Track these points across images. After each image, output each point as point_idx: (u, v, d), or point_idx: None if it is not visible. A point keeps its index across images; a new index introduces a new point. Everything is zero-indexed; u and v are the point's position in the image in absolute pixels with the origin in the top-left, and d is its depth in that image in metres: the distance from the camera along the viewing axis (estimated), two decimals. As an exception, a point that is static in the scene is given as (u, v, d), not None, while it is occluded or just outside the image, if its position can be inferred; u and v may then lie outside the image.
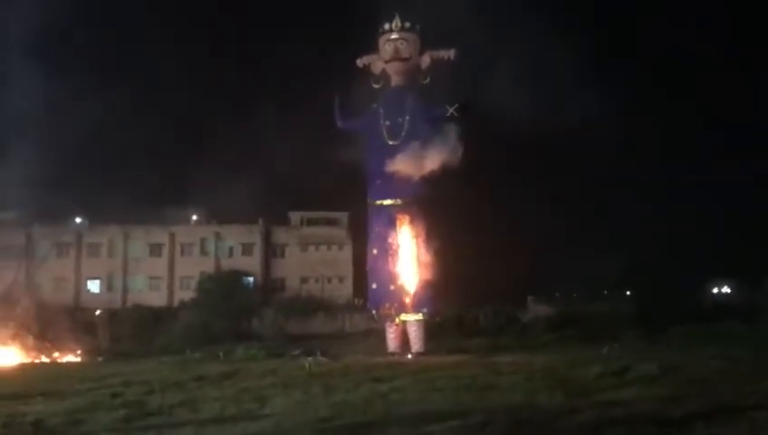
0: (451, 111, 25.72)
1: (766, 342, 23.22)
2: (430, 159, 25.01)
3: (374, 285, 26.64)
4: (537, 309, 46.62)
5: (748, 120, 66.63)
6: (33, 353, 28.16)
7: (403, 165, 25.49)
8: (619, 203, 52.71)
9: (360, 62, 27.34)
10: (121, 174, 55.04)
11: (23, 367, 24.21)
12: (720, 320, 30.92)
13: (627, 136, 56.54)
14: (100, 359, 27.62)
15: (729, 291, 56.03)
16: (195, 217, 61.93)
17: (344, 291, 58.85)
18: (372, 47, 27.20)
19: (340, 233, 61.13)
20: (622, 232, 47.76)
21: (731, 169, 56.28)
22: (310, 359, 21.51)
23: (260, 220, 60.73)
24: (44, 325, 30.05)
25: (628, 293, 46.04)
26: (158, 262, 59.25)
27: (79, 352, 29.27)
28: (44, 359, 28.10)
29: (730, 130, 68.84)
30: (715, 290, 55.22)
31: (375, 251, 26.57)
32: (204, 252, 60.06)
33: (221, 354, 26.26)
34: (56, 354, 28.80)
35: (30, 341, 28.63)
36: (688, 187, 56.28)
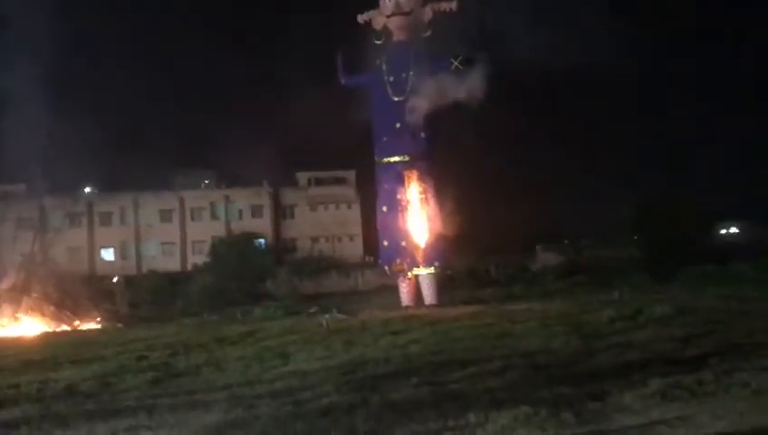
0: (455, 63, 25.58)
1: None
2: (453, 89, 24.84)
3: (385, 242, 26.88)
4: (546, 257, 46.94)
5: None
6: (55, 322, 28.67)
7: (425, 96, 25.40)
8: (625, 146, 52.49)
9: (361, 18, 27.16)
10: (130, 142, 55.09)
11: (46, 336, 24.70)
12: (729, 261, 31.14)
13: (641, 76, 55.97)
14: (120, 325, 28.12)
15: (737, 232, 56.14)
16: (206, 182, 62.24)
17: (355, 249, 59.31)
18: (373, 2, 27.00)
19: (349, 192, 61.37)
20: (629, 176, 47.68)
21: (744, 112, 55.89)
22: (327, 316, 21.89)
23: (264, 182, 60.89)
24: (63, 295, 30.50)
25: (636, 237, 46.22)
26: (169, 228, 59.75)
27: (99, 319, 29.79)
28: (65, 327, 28.64)
29: (753, 72, 68.07)
30: (724, 231, 55.31)
31: (384, 208, 26.75)
32: (214, 216, 60.50)
33: (239, 315, 26.74)
34: (77, 322, 29.31)
35: (50, 310, 29.12)
36: (698, 128, 55.96)
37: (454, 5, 26.06)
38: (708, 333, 13.45)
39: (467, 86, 24.59)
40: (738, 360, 10.52)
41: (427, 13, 26.45)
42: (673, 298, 19.87)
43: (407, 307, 25.49)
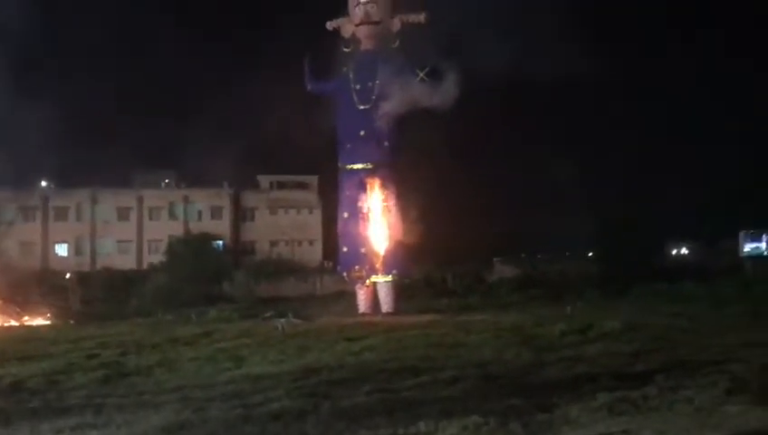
0: (422, 75, 25.81)
1: (721, 301, 24.07)
2: (419, 100, 25.06)
3: (345, 249, 26.95)
4: (503, 270, 47.39)
5: (723, 89, 67.34)
6: (2, 317, 28.05)
7: (390, 105, 25.56)
8: (584, 166, 53.40)
9: (330, 26, 27.24)
10: (90, 137, 54.24)
11: (-8, 331, 24.15)
12: (679, 280, 31.86)
13: (601, 95, 57.05)
14: (71, 322, 27.63)
15: (687, 252, 57.57)
16: (166, 181, 61.53)
17: (314, 254, 59.19)
18: (343, 10, 27.09)
19: (310, 196, 61.26)
20: (586, 194, 48.51)
21: (694, 137, 57.35)
22: (283, 320, 21.82)
23: (224, 184, 60.50)
24: (12, 289, 29.87)
25: (590, 254, 47.07)
26: (126, 225, 58.90)
27: (48, 315, 29.22)
28: (13, 323, 28.03)
29: (704, 96, 69.79)
30: (674, 251, 56.66)
31: (346, 215, 26.82)
32: (173, 216, 59.82)
33: (193, 316, 26.48)
34: (26, 318, 28.72)
35: (-2, 304, 28.51)
36: (654, 151, 57.21)
37: (423, 18, 26.29)
38: (656, 350, 13.77)
39: (433, 97, 24.84)
40: (683, 377, 10.78)
41: (396, 23, 26.64)
42: (624, 314, 20.25)
43: (363, 314, 25.55)
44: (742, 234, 22.45)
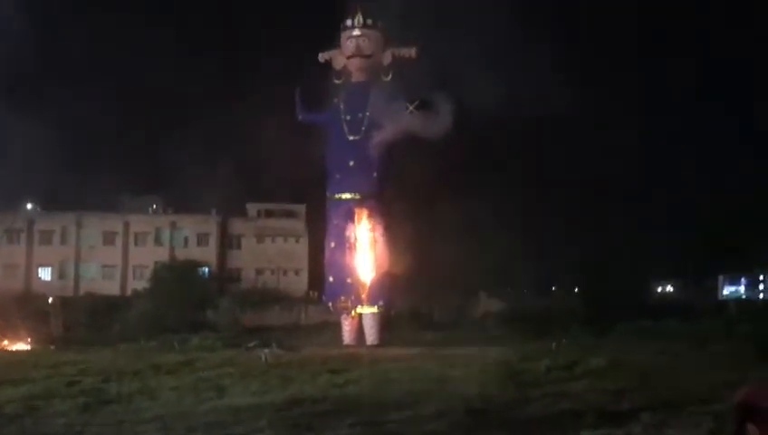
0: (411, 108, 26.05)
1: (705, 338, 24.15)
2: (415, 126, 25.24)
3: (331, 278, 26.90)
4: (489, 303, 47.33)
5: (701, 129, 68.25)
6: (-18, 341, 27.71)
7: (380, 137, 25.72)
8: (571, 202, 53.69)
9: (321, 57, 27.50)
10: (77, 160, 54.10)
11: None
12: (664, 317, 31.95)
13: (587, 131, 57.61)
14: (52, 347, 27.28)
15: (672, 290, 57.83)
16: (153, 206, 61.25)
17: (300, 283, 58.87)
18: (335, 42, 27.36)
19: (298, 225, 61.12)
20: (572, 231, 48.71)
21: (680, 175, 57.88)
22: (266, 350, 21.66)
23: (213, 211, 60.38)
24: (-7, 312, 29.54)
25: (576, 290, 47.13)
26: (111, 250, 58.43)
27: (29, 339, 28.85)
28: (-6, 346, 27.67)
29: (683, 138, 70.59)
30: (660, 289, 56.89)
31: (333, 244, 26.82)
32: (159, 241, 59.42)
33: (176, 344, 26.24)
34: (5, 342, 28.35)
35: (-22, 328, 28.15)
36: (638, 189, 57.63)
37: (414, 52, 26.60)
38: (641, 388, 13.77)
39: (425, 128, 25.04)
40: (668, 416, 10.79)
41: (388, 57, 26.93)
42: (609, 351, 20.26)
43: (348, 346, 25.41)
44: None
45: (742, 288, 25.93)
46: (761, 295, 24.88)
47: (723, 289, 26.01)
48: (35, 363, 19.07)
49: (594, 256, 39.90)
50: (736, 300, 25.28)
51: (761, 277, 25.09)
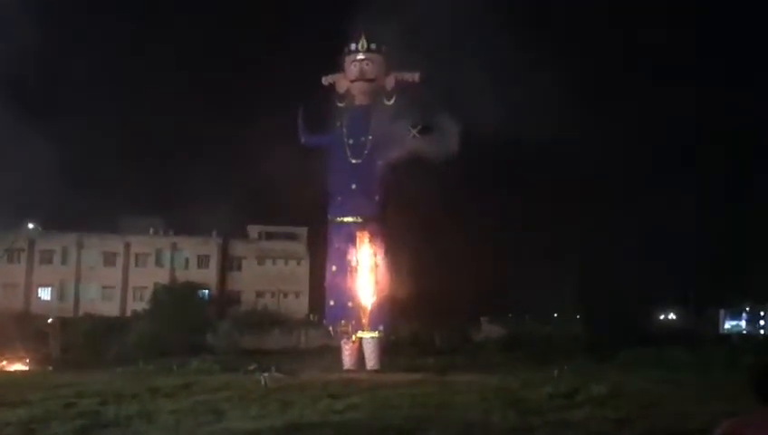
0: (414, 132, 26.11)
1: (708, 367, 23.98)
2: (424, 147, 25.31)
3: (331, 302, 26.78)
4: (490, 329, 47.23)
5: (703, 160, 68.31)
6: (-20, 361, 27.58)
7: (388, 155, 25.77)
8: (573, 228, 53.72)
9: (325, 81, 27.62)
10: (79, 181, 54.20)
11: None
12: (666, 345, 31.78)
13: (588, 160, 57.81)
14: (50, 368, 27.14)
15: (675, 318, 57.55)
16: (154, 228, 61.20)
17: (300, 306, 58.71)
18: (338, 66, 27.51)
19: (299, 248, 61.07)
20: (575, 257, 48.66)
21: (680, 206, 57.90)
22: (265, 374, 21.49)
23: (213, 232, 60.38)
24: (-8, 332, 29.43)
25: (578, 316, 46.95)
26: (111, 271, 58.35)
27: (27, 360, 28.72)
28: (-9, 367, 27.53)
29: (684, 167, 70.71)
30: (662, 317, 56.66)
31: (334, 268, 26.73)
32: (159, 263, 59.35)
33: (175, 367, 26.07)
34: (3, 362, 28.21)
35: (-24, 348, 28.04)
36: (642, 217, 57.60)
37: (417, 76, 26.72)
38: (642, 417, 13.62)
39: (431, 148, 25.11)
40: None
41: (391, 81, 27.06)
42: (610, 379, 20.09)
43: (348, 370, 25.23)
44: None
45: (743, 322, 25.55)
46: (761, 331, 24.62)
47: (724, 323, 25.65)
48: (33, 385, 18.93)
49: (597, 282, 39.79)
50: (737, 334, 24.98)
51: (761, 313, 24.86)
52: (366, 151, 26.60)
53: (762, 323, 24.65)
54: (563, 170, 59.82)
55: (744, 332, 25.10)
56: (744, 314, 25.95)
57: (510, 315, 52.74)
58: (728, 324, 25.88)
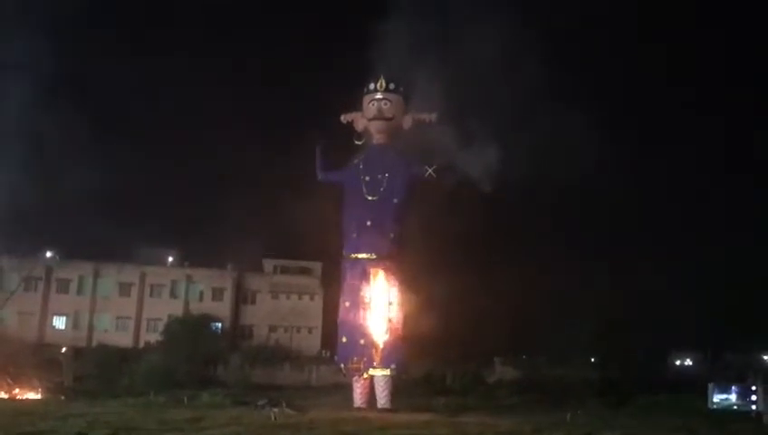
0: (430, 171, 26.32)
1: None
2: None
3: (344, 339, 26.67)
4: (503, 370, 46.78)
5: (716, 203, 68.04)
6: (-7, 389, 27.70)
7: (404, 193, 25.95)
8: (587, 271, 53.38)
9: (343, 119, 27.98)
10: (97, 210, 54.70)
11: (-19, 402, 23.78)
12: (681, 391, 31.33)
13: (603, 202, 57.71)
14: (62, 397, 27.21)
15: (690, 363, 56.74)
16: (170, 259, 61.58)
17: (313, 341, 58.58)
18: (357, 104, 27.89)
19: (313, 283, 61.12)
20: (590, 300, 48.30)
21: (697, 248, 57.54)
22: (276, 409, 21.44)
23: (228, 265, 60.65)
24: (6, 360, 29.58)
25: (593, 359, 46.46)
26: (126, 302, 58.60)
27: (40, 389, 28.81)
28: (3, 395, 27.62)
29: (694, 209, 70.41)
30: (678, 362, 55.94)
31: (347, 304, 26.71)
32: (174, 294, 59.57)
33: (185, 399, 26.06)
34: (16, 390, 28.31)
35: (-10, 375, 28.19)
36: (654, 261, 57.22)
37: (434, 117, 27.00)
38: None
39: (472, 168, 25.26)
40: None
41: (408, 120, 27.37)
42: (623, 425, 19.83)
43: (359, 408, 25.07)
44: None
45: (733, 396, 24.90)
46: (752, 406, 24.23)
47: (713, 397, 25.09)
48: (45, 414, 18.99)
49: (613, 325, 39.42)
50: (727, 409, 24.49)
51: (753, 387, 24.31)
52: (382, 189, 26.79)
53: (753, 398, 24.05)
54: (581, 211, 59.73)
55: (735, 408, 24.50)
56: (733, 388, 25.23)
57: (524, 357, 52.27)
58: (717, 398, 25.14)
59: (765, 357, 52.51)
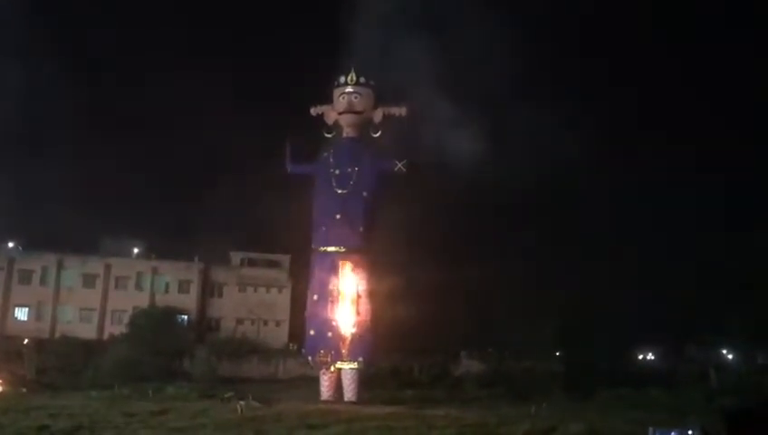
0: (399, 165, 26.42)
1: (685, 407, 24.04)
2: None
3: (312, 332, 26.65)
4: (470, 364, 47.12)
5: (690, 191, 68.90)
6: (-49, 381, 27.17)
7: (373, 186, 25.99)
8: (552, 266, 53.89)
9: (313, 111, 27.93)
10: (62, 201, 53.76)
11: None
12: (644, 385, 31.85)
13: (570, 195, 58.31)
14: (24, 390, 26.77)
15: (653, 358, 57.69)
16: (136, 251, 60.79)
17: (280, 335, 58.30)
18: (327, 97, 27.82)
19: (281, 276, 60.84)
20: (555, 294, 48.76)
21: (663, 240, 58.36)
22: (242, 402, 21.36)
23: (195, 258, 60.06)
24: (-36, 352, 29.04)
25: (557, 353, 46.98)
26: (91, 293, 57.67)
27: (1, 382, 28.30)
28: (-37, 387, 27.11)
29: (666, 201, 71.42)
30: (641, 356, 56.82)
31: (315, 297, 26.70)
32: (139, 287, 58.79)
33: (151, 392, 25.83)
34: (-24, 383, 27.80)
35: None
36: (620, 254, 57.93)
37: (404, 111, 27.09)
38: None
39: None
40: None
41: (378, 114, 27.41)
42: (587, 418, 20.11)
43: (326, 401, 25.09)
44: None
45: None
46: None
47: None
48: (6, 407, 18.68)
49: (577, 320, 39.86)
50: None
51: (690, 432, 24.71)
52: (351, 182, 26.79)
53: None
54: (544, 207, 60.29)
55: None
56: (673, 433, 25.65)
57: (490, 350, 52.65)
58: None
59: (724, 351, 53.60)
